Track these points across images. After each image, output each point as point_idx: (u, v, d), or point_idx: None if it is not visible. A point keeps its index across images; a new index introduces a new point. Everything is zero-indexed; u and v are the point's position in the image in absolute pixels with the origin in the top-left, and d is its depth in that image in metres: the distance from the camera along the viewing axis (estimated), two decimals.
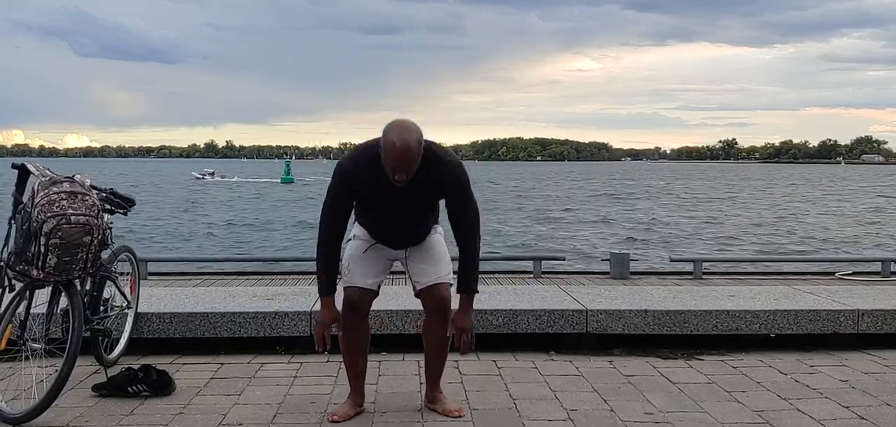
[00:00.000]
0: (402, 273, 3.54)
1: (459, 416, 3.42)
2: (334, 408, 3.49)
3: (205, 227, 25.06)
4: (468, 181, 3.25)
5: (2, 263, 3.47)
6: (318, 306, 3.37)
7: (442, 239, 3.48)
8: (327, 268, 3.28)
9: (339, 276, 3.36)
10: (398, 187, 3.06)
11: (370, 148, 3.13)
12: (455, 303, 3.36)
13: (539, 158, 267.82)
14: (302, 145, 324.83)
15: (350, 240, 3.46)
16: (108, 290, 4.13)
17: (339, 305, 3.35)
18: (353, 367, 3.49)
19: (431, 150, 3.13)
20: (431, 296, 3.38)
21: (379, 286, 3.46)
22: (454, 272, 3.39)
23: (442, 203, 3.35)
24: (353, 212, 3.41)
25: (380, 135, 3.06)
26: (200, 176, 72.42)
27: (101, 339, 4.00)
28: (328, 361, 4.16)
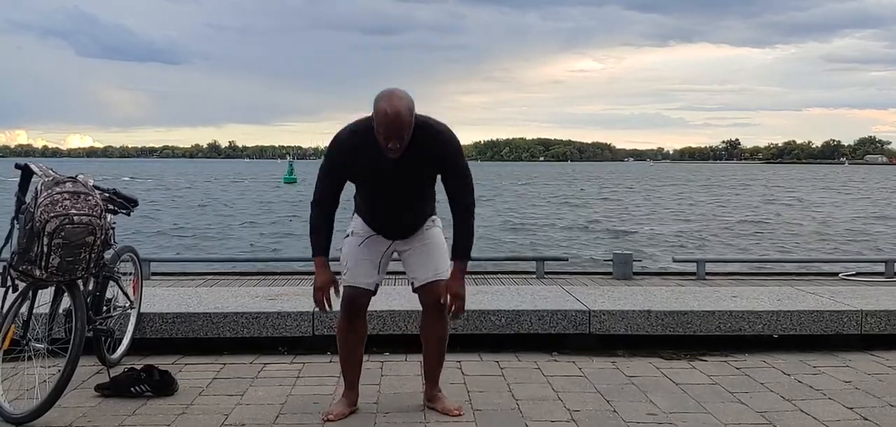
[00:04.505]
0: (404, 273, 3.54)
1: (459, 415, 3.42)
2: (329, 407, 3.50)
3: (207, 227, 25.08)
4: (461, 148, 3.28)
5: (5, 263, 3.48)
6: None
7: (440, 233, 3.46)
8: (319, 227, 3.30)
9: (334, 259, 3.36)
10: (392, 156, 3.09)
11: (366, 120, 3.16)
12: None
13: (542, 159, 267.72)
14: (304, 145, 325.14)
15: (348, 236, 3.46)
16: (111, 291, 4.13)
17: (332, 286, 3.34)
18: (349, 366, 3.50)
19: (424, 120, 3.16)
20: (429, 293, 3.38)
21: (376, 286, 3.46)
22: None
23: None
24: (353, 199, 3.41)
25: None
26: None
27: (103, 339, 4.01)
28: (331, 362, 4.16)
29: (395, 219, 3.39)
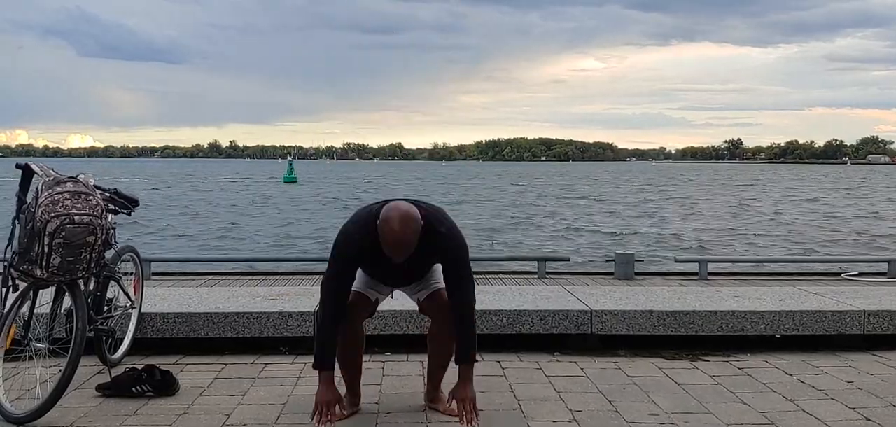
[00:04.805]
0: None
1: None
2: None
3: (209, 227, 25.07)
4: (466, 249, 3.31)
5: (6, 263, 3.48)
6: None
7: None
8: (329, 339, 3.29)
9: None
10: (397, 263, 3.16)
11: (369, 220, 3.17)
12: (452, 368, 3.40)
13: (544, 158, 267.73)
14: (306, 145, 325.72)
15: None
16: (112, 290, 4.13)
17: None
18: (347, 369, 3.50)
19: (430, 222, 3.16)
20: (435, 301, 3.40)
21: (378, 301, 3.51)
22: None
23: None
24: None
25: (377, 199, 3.22)
26: None
27: (104, 339, 4.01)
28: None
29: (401, 284, 3.50)
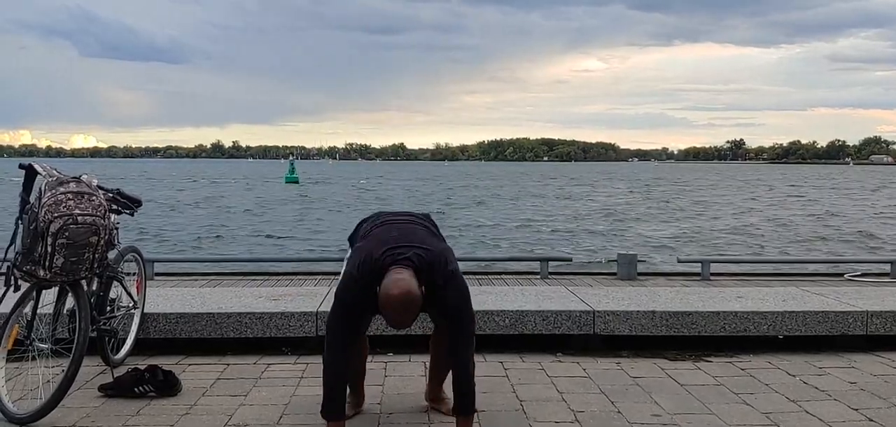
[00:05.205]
0: None
1: None
2: None
3: (212, 227, 25.10)
4: (466, 296, 3.14)
5: (9, 263, 3.48)
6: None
7: None
8: (338, 386, 3.11)
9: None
10: None
11: (373, 274, 3.01)
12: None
13: (546, 159, 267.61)
14: (308, 145, 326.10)
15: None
16: (115, 291, 4.13)
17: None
18: (350, 374, 3.43)
19: (429, 276, 3.03)
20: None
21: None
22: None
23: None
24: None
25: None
26: None
27: (107, 339, 4.02)
28: None
29: None
